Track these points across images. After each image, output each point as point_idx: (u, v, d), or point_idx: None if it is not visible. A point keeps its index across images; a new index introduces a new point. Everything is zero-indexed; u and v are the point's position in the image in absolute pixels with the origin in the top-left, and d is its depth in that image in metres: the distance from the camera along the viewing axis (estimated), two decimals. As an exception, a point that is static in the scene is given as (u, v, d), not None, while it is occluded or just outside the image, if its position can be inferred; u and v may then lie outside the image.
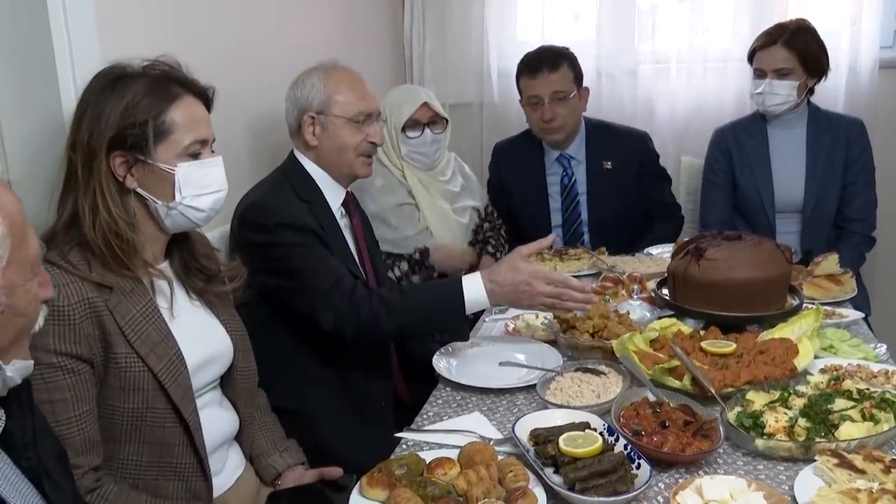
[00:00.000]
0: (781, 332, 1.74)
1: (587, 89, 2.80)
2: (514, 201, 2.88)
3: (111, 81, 1.38)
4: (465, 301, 1.76)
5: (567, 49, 2.76)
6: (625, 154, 2.80)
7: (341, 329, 1.79)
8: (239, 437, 1.64)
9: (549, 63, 2.68)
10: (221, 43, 2.09)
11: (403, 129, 2.50)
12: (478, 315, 2.19)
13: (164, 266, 1.49)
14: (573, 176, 2.82)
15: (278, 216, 1.85)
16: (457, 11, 3.36)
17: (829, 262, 2.25)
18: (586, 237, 2.82)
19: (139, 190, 1.40)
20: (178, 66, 1.45)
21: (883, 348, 1.79)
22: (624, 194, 2.78)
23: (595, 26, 3.22)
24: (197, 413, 1.45)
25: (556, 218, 2.85)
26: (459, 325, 1.88)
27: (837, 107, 2.94)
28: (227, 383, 1.61)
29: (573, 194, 2.82)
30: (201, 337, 1.52)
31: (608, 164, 2.79)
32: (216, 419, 1.55)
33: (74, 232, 1.36)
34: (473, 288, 1.76)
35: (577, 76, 2.74)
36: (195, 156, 1.42)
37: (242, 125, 2.20)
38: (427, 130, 2.53)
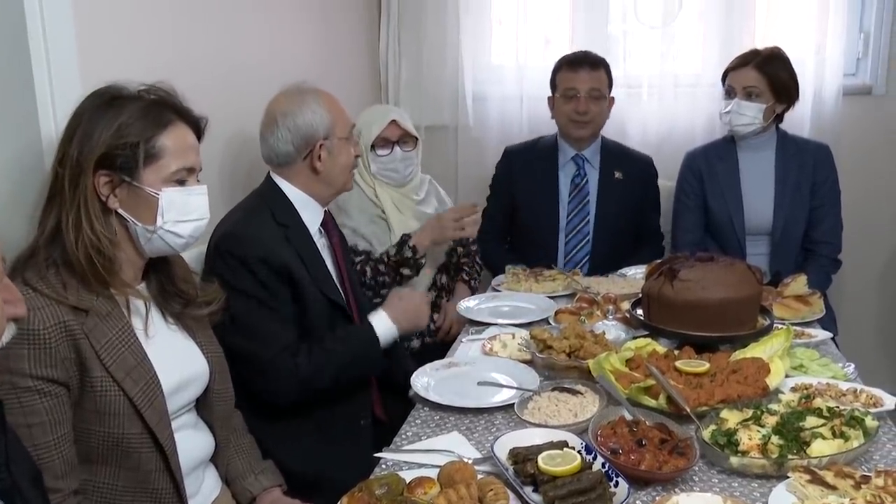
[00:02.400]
0: (753, 351, 1.77)
1: (613, 98, 2.91)
2: (523, 197, 2.92)
3: (107, 101, 1.38)
4: (379, 336, 1.95)
5: (604, 59, 2.89)
6: (634, 171, 2.92)
7: (275, 400, 1.86)
8: (215, 459, 1.63)
9: (590, 62, 2.83)
10: (198, 66, 2.10)
11: (373, 147, 2.53)
12: (453, 337, 2.20)
13: (142, 288, 1.49)
14: (585, 177, 2.89)
15: (253, 249, 1.84)
16: (432, 35, 3.39)
17: (798, 284, 2.30)
18: (590, 237, 2.86)
19: (121, 211, 1.39)
20: (174, 93, 1.46)
21: (851, 367, 1.83)
22: (628, 206, 2.88)
23: (568, 51, 3.27)
24: (173, 437, 1.44)
25: (563, 215, 2.90)
26: (378, 361, 1.99)
27: (804, 132, 3.01)
28: (203, 405, 1.60)
29: (583, 193, 2.89)
30: (177, 360, 1.51)
31: (619, 175, 2.89)
32: (191, 441, 1.54)
33: (57, 247, 1.35)
34: (379, 322, 1.97)
35: (610, 83, 2.87)
36: (181, 182, 1.43)
37: (218, 147, 2.19)
38: (397, 148, 2.55)
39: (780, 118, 2.78)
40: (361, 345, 1.95)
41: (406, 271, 2.45)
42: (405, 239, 2.45)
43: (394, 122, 2.53)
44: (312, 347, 1.87)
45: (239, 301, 1.79)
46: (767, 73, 2.67)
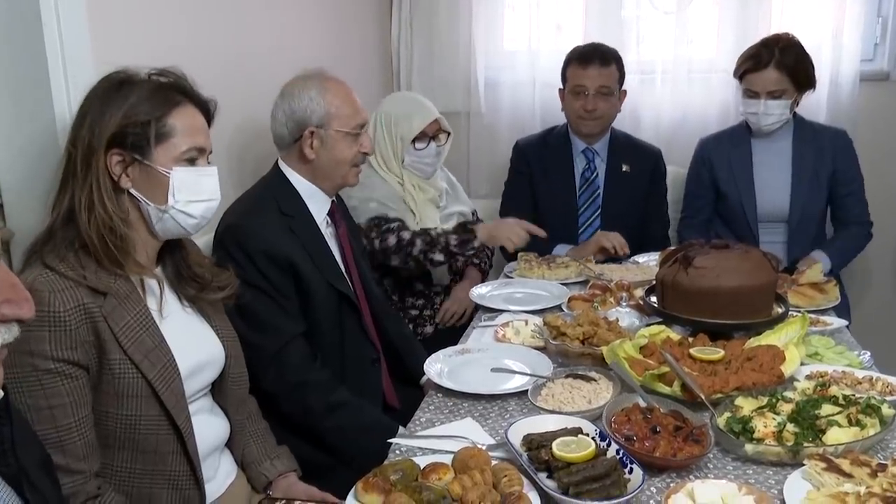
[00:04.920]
0: (768, 339, 1.77)
1: (625, 92, 2.89)
2: (541, 191, 2.92)
3: (117, 84, 1.40)
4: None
5: (616, 51, 2.85)
6: (642, 163, 2.92)
7: (276, 394, 1.84)
8: (230, 444, 1.64)
9: (601, 58, 2.78)
10: (212, 51, 2.10)
11: (413, 141, 2.54)
12: (466, 323, 2.20)
13: (157, 272, 1.50)
14: (595, 170, 2.90)
15: (257, 243, 1.85)
16: (444, 21, 3.39)
17: (814, 272, 2.28)
18: (599, 230, 2.85)
19: (132, 191, 1.41)
20: (183, 76, 1.47)
21: (867, 355, 1.82)
22: (636, 198, 2.89)
23: (581, 37, 3.25)
24: (190, 420, 1.45)
25: (579, 208, 2.91)
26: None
27: (820, 118, 2.99)
28: (218, 390, 1.61)
29: (594, 187, 2.90)
30: (193, 343, 1.52)
31: (626, 168, 2.89)
32: (207, 426, 1.55)
33: (71, 228, 1.36)
34: None
35: (622, 77, 2.84)
36: (191, 162, 1.44)
37: (229, 133, 2.20)
38: (432, 143, 2.57)
39: (796, 103, 2.75)
40: (375, 436, 1.70)
41: (460, 256, 2.42)
42: (469, 227, 2.44)
43: (436, 120, 2.57)
44: (340, 395, 1.86)
45: (246, 292, 1.79)
46: (788, 68, 2.62)
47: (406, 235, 2.38)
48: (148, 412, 1.39)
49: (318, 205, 2.02)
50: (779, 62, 2.63)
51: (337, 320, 1.97)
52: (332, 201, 2.07)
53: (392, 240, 2.37)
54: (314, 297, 1.91)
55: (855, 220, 2.79)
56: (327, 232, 2.04)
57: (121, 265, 1.37)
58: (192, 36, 2.02)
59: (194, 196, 1.44)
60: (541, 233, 2.47)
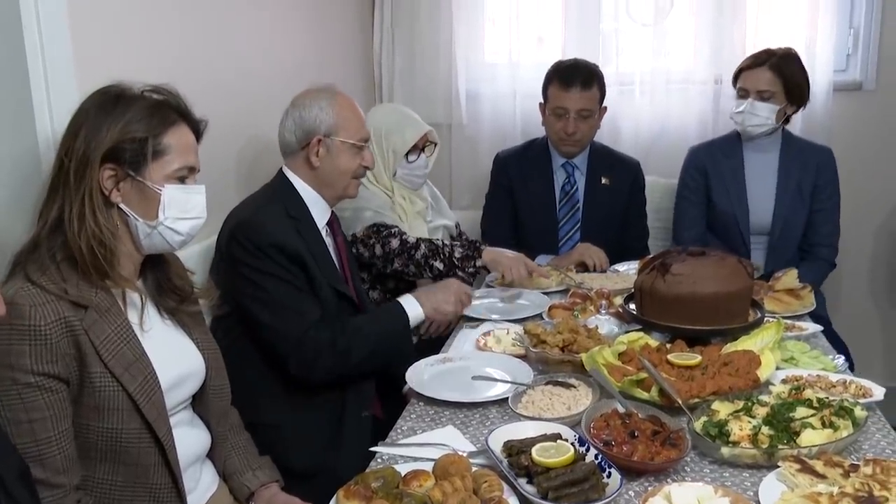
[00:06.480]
0: (744, 344, 1.79)
1: (605, 108, 2.90)
2: (522, 204, 2.94)
3: (113, 98, 1.41)
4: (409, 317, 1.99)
5: (598, 67, 2.86)
6: (620, 176, 2.94)
7: (308, 376, 1.91)
8: (212, 455, 1.64)
9: (583, 80, 2.78)
10: (193, 65, 2.11)
11: (406, 154, 2.57)
12: (449, 333, 2.22)
13: (139, 284, 1.51)
14: (575, 183, 2.92)
15: (264, 237, 1.90)
16: (425, 33, 3.41)
17: (789, 278, 2.32)
18: (579, 242, 2.86)
19: (122, 206, 1.42)
20: (177, 94, 1.49)
21: (841, 359, 1.85)
22: (615, 210, 2.91)
23: (561, 49, 3.30)
24: (171, 432, 1.45)
25: (559, 221, 2.93)
26: (408, 339, 2.05)
27: (795, 130, 3.03)
28: (199, 402, 1.62)
29: (574, 200, 2.92)
30: (174, 356, 1.53)
31: (605, 181, 2.91)
32: (188, 437, 1.55)
33: (58, 238, 1.37)
34: (406, 302, 2.01)
35: (602, 97, 2.85)
36: (181, 180, 1.46)
37: (209, 146, 2.20)
38: (422, 154, 2.61)
39: (787, 119, 2.79)
40: (391, 319, 2.00)
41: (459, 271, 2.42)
42: (478, 245, 2.45)
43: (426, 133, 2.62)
44: (346, 322, 1.94)
45: (266, 282, 1.88)
46: (783, 75, 2.67)
47: (410, 239, 2.43)
48: (129, 425, 1.39)
49: (319, 212, 2.09)
50: (775, 65, 2.68)
51: (337, 319, 2.00)
52: (332, 212, 2.14)
53: (395, 243, 2.40)
54: (319, 295, 1.96)
55: (821, 242, 2.80)
56: (327, 240, 2.10)
57: (107, 277, 1.38)
58: (174, 52, 2.03)
59: (183, 213, 1.46)
60: (544, 275, 2.52)
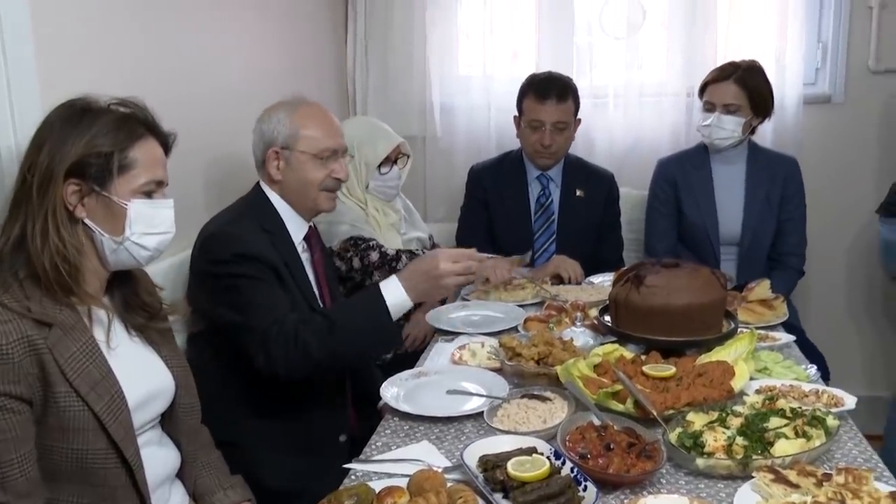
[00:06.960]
0: (718, 355, 1.80)
1: (580, 120, 2.93)
2: (497, 216, 2.95)
3: (78, 112, 1.39)
4: (389, 305, 1.81)
5: (572, 80, 2.89)
6: (595, 187, 2.96)
7: (274, 368, 1.79)
8: (181, 475, 1.61)
9: (558, 93, 2.80)
10: (165, 79, 2.09)
11: (378, 166, 2.57)
12: (424, 348, 2.21)
13: (105, 301, 1.48)
14: (550, 196, 2.93)
15: (237, 247, 1.87)
16: (398, 47, 3.42)
17: (762, 288, 2.33)
18: (555, 254, 2.88)
19: (87, 221, 1.39)
20: (145, 107, 1.46)
21: (813, 369, 1.86)
22: (590, 222, 2.93)
23: (534, 62, 3.32)
24: (139, 452, 1.42)
25: (534, 233, 2.93)
26: (389, 332, 1.87)
27: (766, 142, 3.08)
28: (168, 420, 1.58)
29: (549, 213, 2.93)
30: (142, 374, 1.50)
31: (580, 193, 2.93)
32: (157, 457, 1.52)
33: (21, 255, 1.34)
34: (391, 290, 1.82)
35: (577, 109, 2.88)
36: (148, 195, 1.43)
37: (194, 160, 2.19)
38: (395, 167, 2.62)
39: (752, 131, 2.82)
40: (366, 303, 1.84)
41: None
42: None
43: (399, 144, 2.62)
44: (313, 315, 1.86)
45: (238, 283, 1.84)
46: (748, 88, 2.71)
47: (390, 251, 2.42)
48: (95, 445, 1.35)
49: (295, 227, 2.05)
50: (740, 78, 2.71)
51: None
52: (311, 227, 2.10)
53: (375, 255, 2.40)
54: (292, 307, 1.91)
55: (790, 252, 2.85)
56: (303, 256, 2.07)
57: (72, 293, 1.35)
58: (142, 65, 2.01)
59: (150, 228, 1.44)
60: (525, 276, 2.53)
